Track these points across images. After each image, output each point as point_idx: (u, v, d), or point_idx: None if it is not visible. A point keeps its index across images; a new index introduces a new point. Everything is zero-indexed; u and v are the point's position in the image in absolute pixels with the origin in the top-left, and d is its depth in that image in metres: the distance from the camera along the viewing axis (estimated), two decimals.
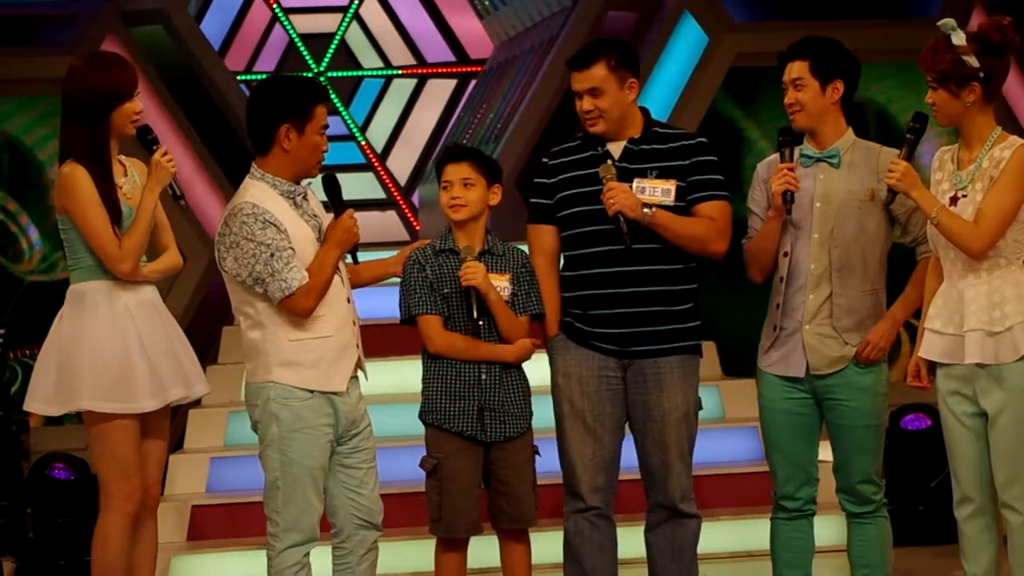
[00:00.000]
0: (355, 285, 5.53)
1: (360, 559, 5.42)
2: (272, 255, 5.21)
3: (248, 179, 5.36)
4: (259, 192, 5.29)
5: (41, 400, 5.56)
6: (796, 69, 5.53)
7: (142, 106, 5.60)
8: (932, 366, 5.31)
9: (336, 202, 5.39)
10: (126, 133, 5.59)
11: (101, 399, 5.46)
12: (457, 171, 5.64)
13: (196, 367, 5.70)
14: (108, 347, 5.48)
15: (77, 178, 5.48)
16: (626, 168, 5.59)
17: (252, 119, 5.33)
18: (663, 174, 5.61)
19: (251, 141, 5.33)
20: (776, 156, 5.64)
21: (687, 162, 5.63)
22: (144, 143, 5.64)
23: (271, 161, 5.31)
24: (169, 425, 5.71)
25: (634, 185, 5.58)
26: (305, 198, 5.37)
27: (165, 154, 5.60)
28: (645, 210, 5.52)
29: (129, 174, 5.65)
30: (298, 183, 5.35)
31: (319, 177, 5.40)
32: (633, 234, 5.54)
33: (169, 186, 5.62)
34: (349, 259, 5.47)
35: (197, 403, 8.28)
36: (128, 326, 5.52)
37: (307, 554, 5.31)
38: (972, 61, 5.13)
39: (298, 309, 5.25)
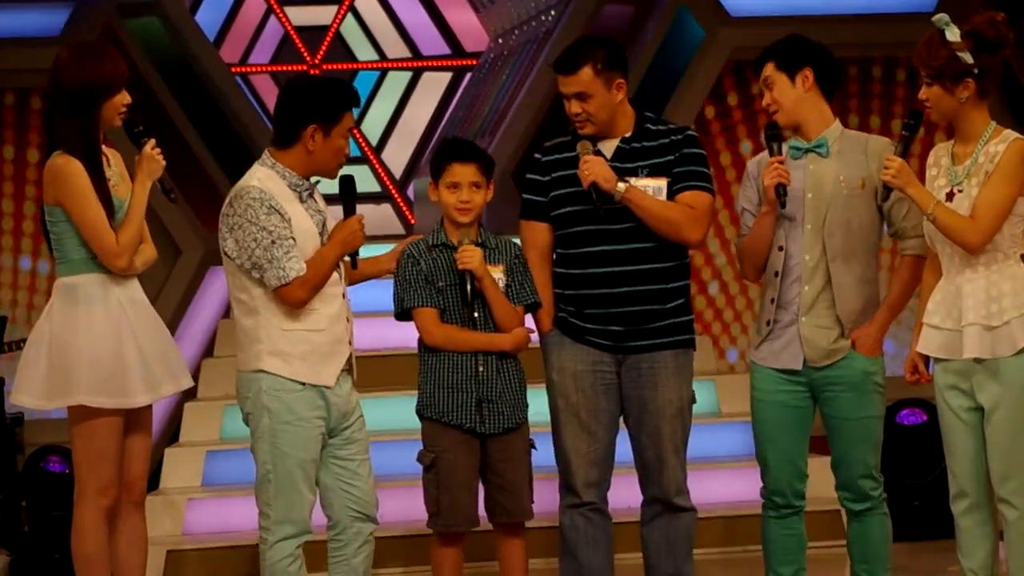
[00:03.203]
0: (347, 282, 5.53)
1: (356, 551, 5.43)
2: (273, 242, 5.23)
3: (258, 164, 5.38)
4: (267, 178, 5.32)
5: (30, 394, 5.51)
6: (764, 71, 5.58)
7: (130, 98, 5.52)
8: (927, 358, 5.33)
9: (349, 204, 5.43)
10: (114, 125, 5.53)
11: (96, 394, 5.43)
12: (467, 173, 5.64)
13: (180, 360, 5.68)
14: (104, 341, 5.45)
15: (73, 172, 5.41)
16: (618, 167, 5.59)
17: (280, 112, 5.37)
18: (654, 171, 5.61)
19: (275, 132, 5.37)
20: (764, 154, 5.66)
21: (674, 156, 5.63)
22: (131, 136, 5.56)
23: (290, 155, 5.34)
24: (151, 418, 5.67)
25: None
26: (312, 195, 5.39)
27: (154, 147, 5.54)
28: (620, 185, 5.52)
29: (112, 165, 5.60)
30: (307, 179, 5.37)
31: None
32: (626, 234, 5.56)
33: (159, 181, 5.56)
34: (348, 259, 5.47)
35: (193, 396, 8.29)
36: (122, 320, 5.49)
37: (300, 546, 5.32)
38: (967, 57, 5.12)
39: (291, 299, 5.26)
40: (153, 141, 5.55)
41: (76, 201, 5.42)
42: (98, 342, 5.45)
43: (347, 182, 5.46)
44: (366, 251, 5.57)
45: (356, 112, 5.44)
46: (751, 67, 5.70)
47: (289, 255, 5.24)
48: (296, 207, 5.31)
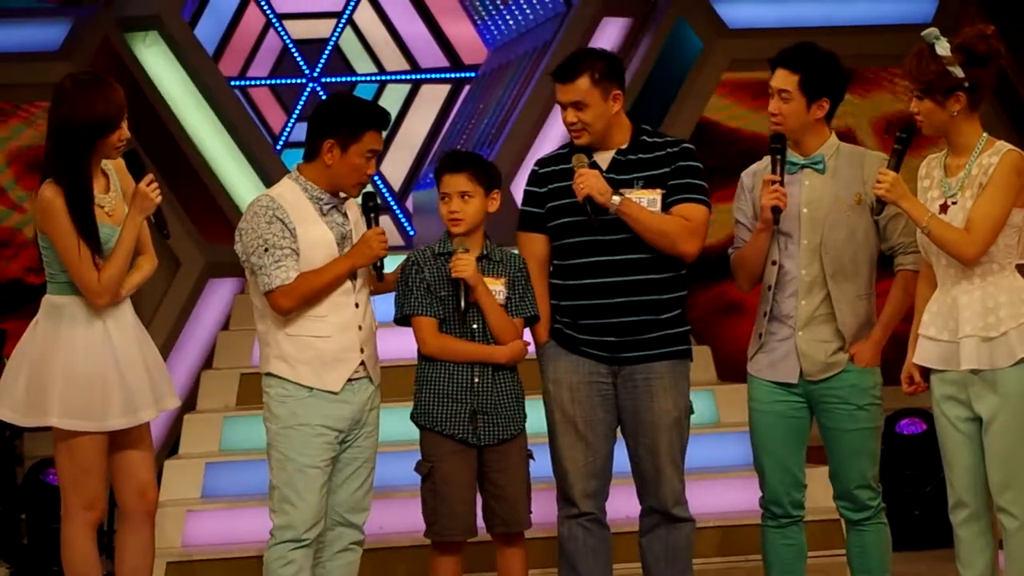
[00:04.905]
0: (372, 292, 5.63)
1: (333, 555, 5.50)
2: (266, 250, 5.34)
3: (286, 176, 5.53)
4: (286, 190, 5.45)
5: (9, 408, 5.49)
6: (784, 79, 5.51)
7: (128, 133, 5.44)
8: (925, 370, 5.33)
9: (370, 218, 5.54)
10: (110, 158, 5.49)
11: (70, 416, 5.40)
12: (455, 183, 5.65)
13: (167, 381, 5.64)
14: (82, 364, 5.41)
15: (57, 208, 5.33)
16: (613, 179, 5.60)
17: (309, 125, 5.48)
18: (649, 183, 5.63)
19: (305, 145, 5.48)
20: (758, 165, 5.67)
21: (669, 168, 5.64)
22: (132, 168, 5.51)
23: (311, 169, 5.47)
24: (149, 430, 5.64)
25: None
26: (336, 208, 5.47)
27: (151, 183, 5.44)
28: (614, 198, 5.53)
29: (112, 185, 5.53)
30: (335, 194, 5.45)
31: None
32: (622, 245, 5.57)
33: (153, 216, 5.49)
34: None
35: (192, 408, 8.30)
36: (104, 344, 5.45)
37: (297, 549, 5.36)
38: (957, 71, 5.13)
39: (275, 306, 5.39)
40: (151, 176, 5.46)
41: (59, 238, 5.37)
42: (76, 364, 5.41)
43: (367, 198, 5.58)
44: None
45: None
46: (769, 64, 5.60)
47: (278, 264, 5.33)
48: (312, 217, 5.42)
